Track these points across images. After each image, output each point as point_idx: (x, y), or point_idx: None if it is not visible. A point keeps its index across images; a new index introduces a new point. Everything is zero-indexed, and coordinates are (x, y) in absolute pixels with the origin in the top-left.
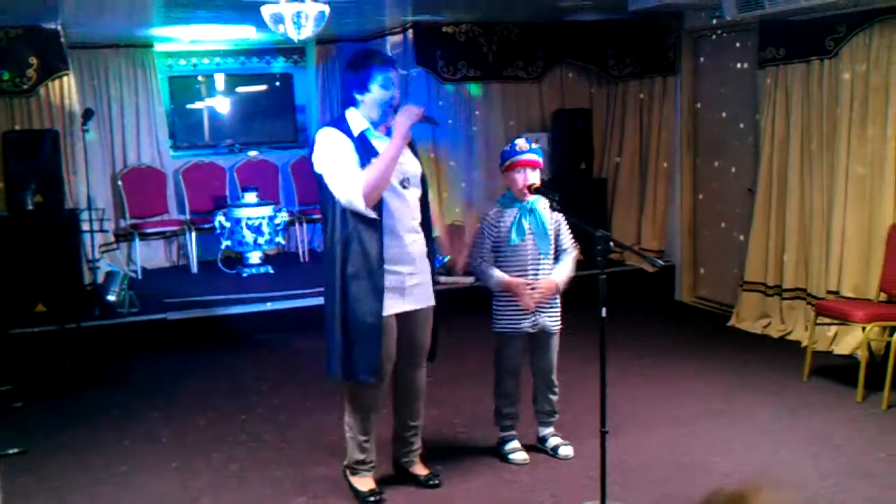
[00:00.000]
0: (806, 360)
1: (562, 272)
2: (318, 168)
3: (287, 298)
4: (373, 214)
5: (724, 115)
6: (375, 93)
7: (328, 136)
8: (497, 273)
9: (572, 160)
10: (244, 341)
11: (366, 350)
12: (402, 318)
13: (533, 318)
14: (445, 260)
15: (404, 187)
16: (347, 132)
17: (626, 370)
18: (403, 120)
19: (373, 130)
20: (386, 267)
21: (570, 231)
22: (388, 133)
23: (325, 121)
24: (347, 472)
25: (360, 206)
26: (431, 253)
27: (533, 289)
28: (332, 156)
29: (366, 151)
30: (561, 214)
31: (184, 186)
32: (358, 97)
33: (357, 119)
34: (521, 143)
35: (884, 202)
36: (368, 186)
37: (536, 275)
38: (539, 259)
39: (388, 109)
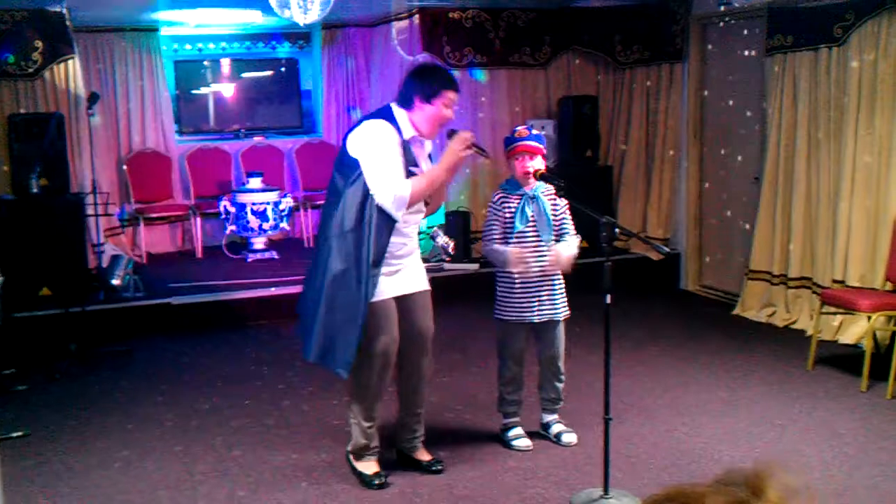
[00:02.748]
0: (811, 350)
1: (567, 247)
2: (357, 153)
3: (291, 284)
4: (400, 218)
5: (731, 102)
6: (437, 109)
7: (383, 129)
8: (503, 248)
9: (578, 147)
10: (248, 326)
11: (345, 343)
12: (402, 303)
13: (537, 307)
14: (449, 247)
15: None
16: (399, 131)
17: (631, 358)
18: (456, 149)
19: (418, 139)
20: (386, 260)
21: (571, 220)
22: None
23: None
24: (351, 457)
25: (394, 211)
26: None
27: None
28: (382, 151)
29: (407, 158)
30: (565, 201)
31: (189, 171)
32: (416, 103)
33: (404, 122)
34: (521, 129)
35: (890, 191)
36: (409, 198)
37: (539, 262)
38: (542, 246)
39: (440, 130)
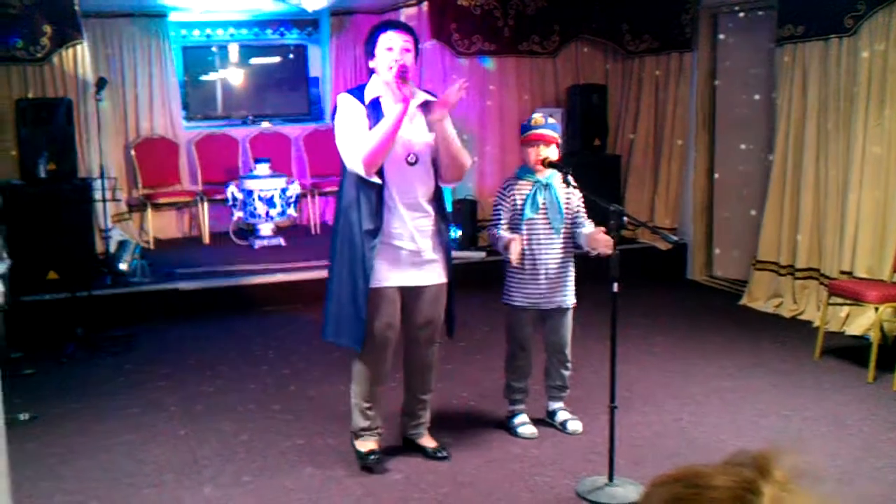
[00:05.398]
0: (818, 340)
1: (592, 227)
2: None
3: (298, 270)
4: (376, 180)
5: (740, 93)
6: (380, 57)
7: (342, 101)
8: (504, 234)
9: (586, 136)
10: (254, 312)
11: (351, 319)
12: (407, 293)
13: (546, 294)
14: (457, 235)
15: (410, 163)
16: (360, 98)
17: (637, 347)
18: (394, 89)
19: (388, 97)
20: (384, 240)
21: (585, 210)
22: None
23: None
24: (353, 438)
25: (361, 171)
26: (445, 232)
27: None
28: (342, 121)
29: (376, 118)
30: (578, 192)
31: (196, 157)
32: (371, 65)
33: (375, 85)
34: (537, 117)
35: None
36: (366, 153)
37: (549, 250)
38: (552, 235)
39: (394, 73)
